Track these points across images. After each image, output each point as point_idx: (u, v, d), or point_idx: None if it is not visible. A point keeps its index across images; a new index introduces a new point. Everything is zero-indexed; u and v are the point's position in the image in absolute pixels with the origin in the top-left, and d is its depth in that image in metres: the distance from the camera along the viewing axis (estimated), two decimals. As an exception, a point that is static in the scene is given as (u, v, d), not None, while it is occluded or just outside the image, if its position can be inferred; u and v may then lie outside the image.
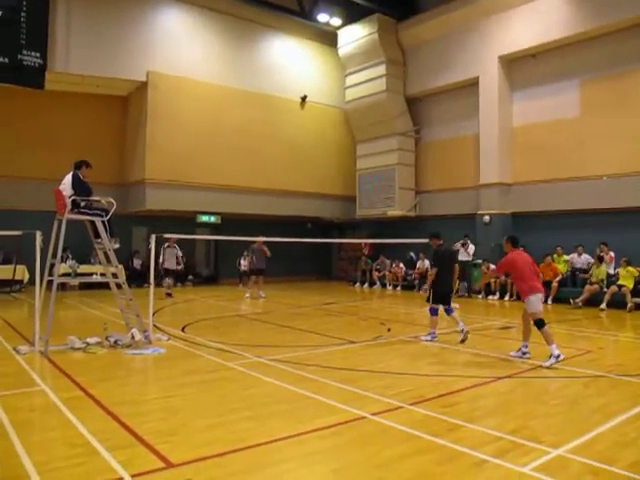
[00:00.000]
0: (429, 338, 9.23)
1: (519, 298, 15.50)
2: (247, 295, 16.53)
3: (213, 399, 5.72)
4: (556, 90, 17.13)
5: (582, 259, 15.53)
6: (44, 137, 18.58)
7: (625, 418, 5.11)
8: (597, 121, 16.07)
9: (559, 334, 9.71)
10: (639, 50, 15.19)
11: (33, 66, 16.12)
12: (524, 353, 7.75)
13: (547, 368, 7.10)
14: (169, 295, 15.29)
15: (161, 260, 15.74)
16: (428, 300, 9.44)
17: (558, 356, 7.18)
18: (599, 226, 15.71)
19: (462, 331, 8.95)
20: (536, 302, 7.58)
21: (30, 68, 16.09)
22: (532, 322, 7.58)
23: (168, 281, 15.85)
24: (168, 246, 15.85)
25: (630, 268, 13.86)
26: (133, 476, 3.71)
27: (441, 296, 9.34)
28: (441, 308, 9.35)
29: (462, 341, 8.89)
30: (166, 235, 9.88)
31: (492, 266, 16.89)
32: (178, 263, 16.13)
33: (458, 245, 16.81)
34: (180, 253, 16.17)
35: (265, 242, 16.28)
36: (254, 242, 16.40)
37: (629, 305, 13.47)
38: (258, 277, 16.61)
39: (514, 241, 8.18)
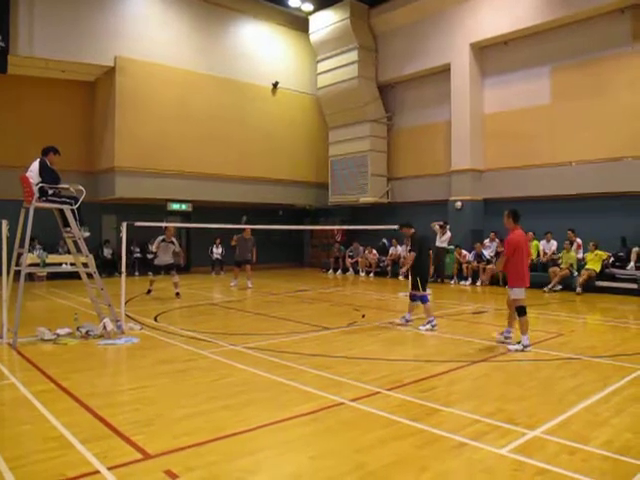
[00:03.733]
0: (430, 327, 8.89)
1: (491, 283, 15.90)
2: (232, 284, 16.12)
3: (188, 388, 5.65)
4: (527, 77, 17.29)
5: (551, 245, 15.77)
6: (9, 123, 18.02)
7: (598, 398, 5.22)
8: (567, 108, 16.28)
9: (530, 318, 9.83)
10: (609, 37, 15.41)
11: (-6, 50, 15.62)
12: (506, 337, 7.77)
13: (511, 352, 7.22)
14: (149, 292, 13.62)
15: (154, 252, 13.98)
16: (419, 288, 9.15)
17: (526, 346, 7.31)
18: (569, 212, 15.98)
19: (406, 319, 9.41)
20: (521, 292, 7.57)
21: (-9, 52, 15.59)
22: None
23: (151, 277, 13.81)
24: (164, 240, 13.70)
25: (598, 251, 14.15)
26: (109, 468, 3.64)
27: (426, 282, 9.44)
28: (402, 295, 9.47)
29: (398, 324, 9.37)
30: (136, 224, 9.61)
31: (464, 252, 17.12)
32: (176, 255, 14.07)
33: (436, 226, 16.86)
34: (178, 249, 14.06)
35: (237, 228, 15.97)
36: (242, 231, 15.88)
37: (578, 289, 13.94)
38: (245, 267, 16.12)
39: (516, 215, 7.60)
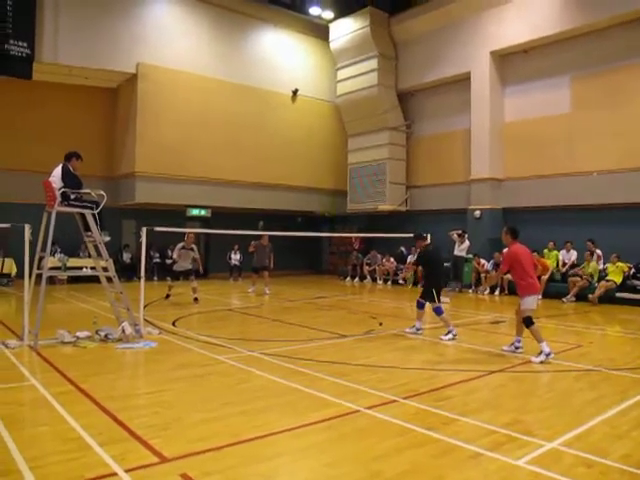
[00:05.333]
0: (451, 336, 8.78)
1: (510, 292, 15.76)
2: (250, 290, 16.15)
3: (206, 393, 5.69)
4: (547, 86, 17.18)
5: (570, 255, 15.59)
6: (33, 129, 18.32)
7: (616, 411, 5.15)
8: (587, 117, 16.14)
9: (549, 328, 9.79)
10: (629, 47, 15.26)
11: (20, 56, 15.89)
12: (517, 347, 7.76)
13: (535, 363, 7.12)
14: (167, 297, 13.66)
15: (174, 259, 14.05)
16: (435, 300, 9.03)
17: (549, 354, 7.18)
18: (589, 222, 15.80)
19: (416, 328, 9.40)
20: (532, 301, 7.51)
21: (17, 58, 15.84)
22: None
23: (170, 282, 13.83)
24: (183, 247, 13.73)
25: (619, 263, 13.97)
26: (127, 471, 3.68)
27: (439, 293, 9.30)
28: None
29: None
30: (155, 228, 9.69)
31: (483, 261, 17.00)
32: (195, 261, 14.07)
33: (454, 234, 16.81)
34: (197, 255, 14.15)
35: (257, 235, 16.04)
36: (260, 237, 15.95)
37: (591, 296, 13.86)
38: (262, 273, 16.15)
39: (514, 232, 7.72)
